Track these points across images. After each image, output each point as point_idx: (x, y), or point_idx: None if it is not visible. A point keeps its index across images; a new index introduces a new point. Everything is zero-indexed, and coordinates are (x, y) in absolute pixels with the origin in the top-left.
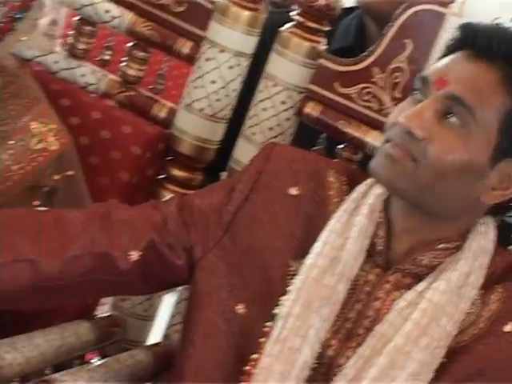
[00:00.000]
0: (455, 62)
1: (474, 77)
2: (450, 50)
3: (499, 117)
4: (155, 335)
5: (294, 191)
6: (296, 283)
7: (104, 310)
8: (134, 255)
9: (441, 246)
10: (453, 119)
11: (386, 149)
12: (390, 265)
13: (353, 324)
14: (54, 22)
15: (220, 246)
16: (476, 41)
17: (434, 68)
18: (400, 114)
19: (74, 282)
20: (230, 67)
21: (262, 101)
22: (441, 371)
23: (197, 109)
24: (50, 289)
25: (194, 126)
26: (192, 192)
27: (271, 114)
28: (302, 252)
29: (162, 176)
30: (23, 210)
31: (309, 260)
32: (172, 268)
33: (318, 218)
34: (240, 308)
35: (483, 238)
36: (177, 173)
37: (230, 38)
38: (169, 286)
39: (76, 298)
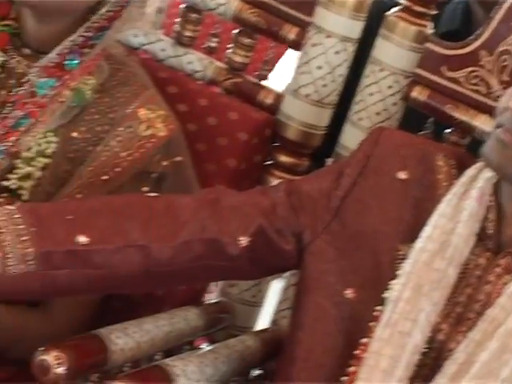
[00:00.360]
0: None
1: None
2: None
3: None
4: (263, 321)
5: (402, 175)
6: (405, 267)
7: (212, 296)
8: (244, 241)
9: None
10: None
11: (498, 134)
12: (501, 248)
13: (463, 308)
14: (160, 10)
15: (328, 230)
16: None
17: None
18: (511, 99)
19: (184, 267)
20: (337, 52)
21: (368, 86)
22: None
23: (303, 94)
24: (160, 274)
25: (301, 112)
26: (299, 178)
27: (378, 98)
28: (411, 236)
29: (269, 162)
30: (134, 195)
31: (418, 244)
32: (280, 253)
33: (427, 202)
34: (349, 292)
35: None
36: (283, 159)
37: (336, 23)
38: (277, 271)
39: (185, 283)
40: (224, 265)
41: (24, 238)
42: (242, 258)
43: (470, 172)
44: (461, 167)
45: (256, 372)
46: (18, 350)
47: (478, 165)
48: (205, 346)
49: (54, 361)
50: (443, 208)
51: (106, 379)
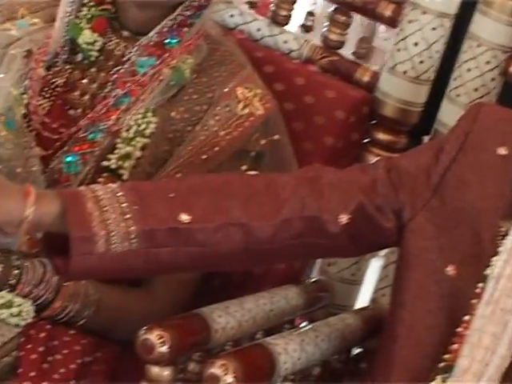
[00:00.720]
0: None
1: None
2: None
3: None
4: (363, 299)
5: (502, 151)
6: (507, 244)
7: (311, 275)
8: (344, 218)
9: None
10: None
11: None
12: None
13: None
14: None
15: (428, 207)
16: None
17: None
18: None
19: (285, 245)
20: (433, 29)
21: (466, 62)
22: None
23: (400, 71)
24: (260, 252)
25: (398, 89)
26: (398, 155)
27: (476, 74)
28: None
29: (367, 140)
30: (233, 174)
31: None
32: (380, 230)
33: None
34: (450, 270)
35: None
36: (381, 136)
37: None
38: (376, 249)
39: (285, 261)
40: (324, 243)
41: (127, 216)
42: (342, 236)
43: None
44: None
45: (356, 350)
46: (121, 330)
47: None
48: (305, 325)
49: (158, 340)
50: None
51: (208, 358)
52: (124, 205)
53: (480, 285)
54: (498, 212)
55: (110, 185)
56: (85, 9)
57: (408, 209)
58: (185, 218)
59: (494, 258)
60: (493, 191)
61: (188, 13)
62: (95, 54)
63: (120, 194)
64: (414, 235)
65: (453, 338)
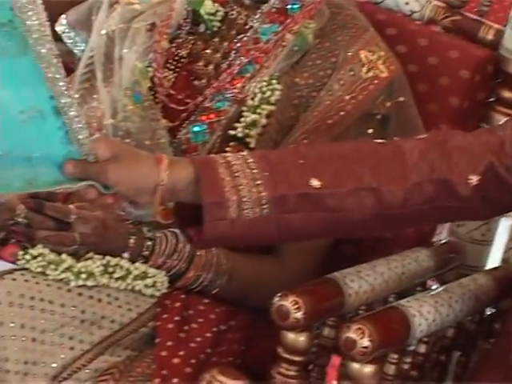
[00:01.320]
0: None
1: None
2: None
3: None
4: (494, 259)
5: None
6: None
7: (440, 237)
8: (474, 180)
9: None
10: None
11: None
12: None
13: None
14: None
15: None
16: None
17: None
18: None
19: (415, 209)
20: None
21: None
22: None
23: None
24: (391, 217)
25: None
26: None
27: None
28: None
29: (492, 99)
30: (361, 141)
31: None
32: (511, 191)
33: None
34: None
35: None
36: (507, 94)
37: None
38: (507, 210)
39: (416, 225)
40: (455, 205)
41: (258, 182)
42: (473, 198)
43: None
44: None
45: (489, 311)
46: (253, 298)
47: None
48: (437, 287)
49: (292, 306)
50: None
51: (343, 323)
52: (255, 171)
53: None
54: None
55: (240, 153)
56: None
57: None
58: (315, 183)
59: None
60: None
61: None
62: (217, 24)
63: (250, 160)
64: None
65: None
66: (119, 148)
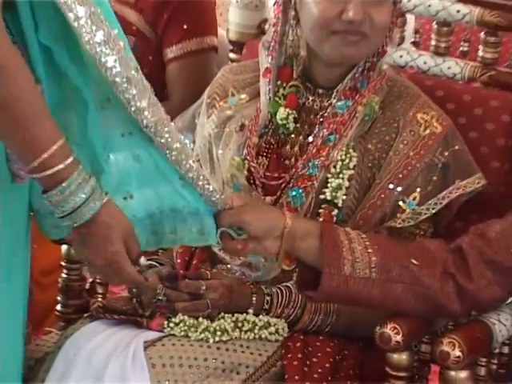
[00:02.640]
0: None
1: None
2: None
3: None
4: None
5: None
6: None
7: None
8: None
9: None
10: None
11: None
12: None
13: None
14: (416, 31)
15: None
16: None
17: None
18: None
19: None
20: None
21: None
22: None
23: None
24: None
25: None
26: None
27: None
28: None
29: None
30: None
31: None
32: None
33: None
34: None
35: None
36: None
37: None
38: None
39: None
40: None
41: (369, 250)
42: None
43: None
44: None
45: None
46: (360, 329)
47: None
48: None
49: (392, 331)
50: None
51: (435, 338)
52: (367, 243)
53: None
54: None
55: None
56: (281, 89)
57: None
58: (415, 261)
59: None
60: None
61: (374, 58)
62: (292, 125)
63: (363, 236)
64: None
65: None
66: (248, 199)
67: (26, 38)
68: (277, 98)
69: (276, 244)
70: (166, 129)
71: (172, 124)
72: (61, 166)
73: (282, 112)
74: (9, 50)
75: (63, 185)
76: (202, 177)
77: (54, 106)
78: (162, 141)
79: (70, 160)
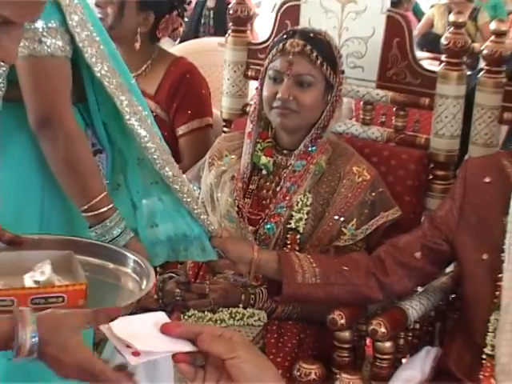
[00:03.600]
0: None
1: None
2: None
3: None
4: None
5: (487, 179)
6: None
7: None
8: (418, 255)
9: None
10: None
11: None
12: None
13: None
14: (350, 110)
15: (460, 228)
16: None
17: None
18: None
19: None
20: (454, 106)
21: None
22: None
23: (441, 134)
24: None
25: (443, 145)
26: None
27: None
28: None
29: (430, 177)
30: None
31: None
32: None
33: None
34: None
35: None
36: (438, 173)
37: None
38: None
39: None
40: (419, 273)
41: (314, 265)
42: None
43: None
44: None
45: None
46: (316, 316)
47: None
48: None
49: (338, 317)
50: None
51: (369, 320)
52: (311, 259)
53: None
54: (500, 211)
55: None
56: (259, 145)
57: (450, 235)
58: (346, 268)
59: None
60: (489, 201)
61: (318, 131)
62: (271, 166)
63: (309, 256)
64: (460, 245)
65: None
66: (231, 235)
67: (93, 118)
68: (257, 152)
69: (246, 268)
70: (179, 179)
71: (184, 176)
72: (104, 209)
73: (263, 159)
74: (76, 124)
75: (105, 222)
76: (203, 213)
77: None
78: (177, 188)
79: (110, 205)
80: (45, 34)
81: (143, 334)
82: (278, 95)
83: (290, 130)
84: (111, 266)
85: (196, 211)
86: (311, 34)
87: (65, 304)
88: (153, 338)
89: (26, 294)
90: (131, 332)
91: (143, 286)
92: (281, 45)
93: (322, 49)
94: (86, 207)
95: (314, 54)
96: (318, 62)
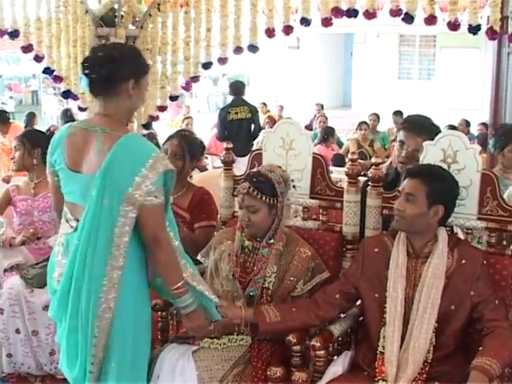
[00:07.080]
0: None
1: None
2: None
3: None
4: None
5: (376, 250)
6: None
7: None
8: (337, 295)
9: None
10: None
11: None
12: None
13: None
14: (295, 211)
15: (361, 279)
16: None
17: None
18: None
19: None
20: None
21: None
22: None
23: None
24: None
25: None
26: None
27: None
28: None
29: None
30: (302, 302)
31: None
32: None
33: None
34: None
35: None
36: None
37: None
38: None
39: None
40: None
41: (276, 313)
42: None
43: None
44: None
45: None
46: (282, 337)
47: None
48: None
49: (292, 338)
50: None
51: (310, 339)
52: (274, 309)
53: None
54: (384, 268)
55: (270, 306)
56: (243, 233)
57: (356, 283)
58: (294, 309)
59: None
60: (377, 262)
61: (276, 226)
62: (251, 248)
63: (272, 307)
64: (362, 289)
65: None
66: (228, 303)
67: (168, 206)
68: (243, 238)
69: (238, 321)
70: (195, 274)
71: (196, 268)
72: (183, 290)
73: (247, 242)
74: (166, 232)
75: (183, 297)
76: (208, 291)
77: None
78: (194, 284)
79: (186, 287)
80: (157, 194)
81: None
82: (240, 217)
83: (253, 235)
84: None
85: (206, 292)
86: (254, 179)
87: None
88: None
89: None
90: None
91: None
92: (238, 187)
93: (262, 188)
94: (171, 288)
95: (255, 193)
96: (258, 196)
